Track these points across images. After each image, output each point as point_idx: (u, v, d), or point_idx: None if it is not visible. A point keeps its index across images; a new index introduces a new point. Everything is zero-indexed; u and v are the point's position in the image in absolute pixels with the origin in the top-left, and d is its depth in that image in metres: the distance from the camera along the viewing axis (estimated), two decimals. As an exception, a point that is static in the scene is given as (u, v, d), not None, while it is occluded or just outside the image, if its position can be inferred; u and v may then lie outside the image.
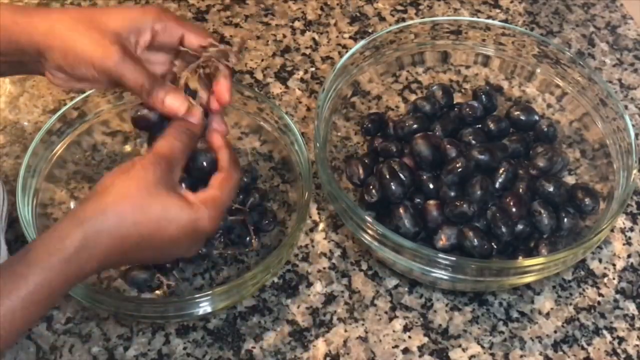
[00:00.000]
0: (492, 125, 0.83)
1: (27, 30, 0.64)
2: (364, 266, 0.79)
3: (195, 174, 0.68)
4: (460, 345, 0.74)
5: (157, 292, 0.74)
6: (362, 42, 0.85)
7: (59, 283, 0.57)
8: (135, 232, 0.59)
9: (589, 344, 0.75)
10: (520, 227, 0.76)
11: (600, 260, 0.81)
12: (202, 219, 0.62)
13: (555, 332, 0.76)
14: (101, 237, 0.58)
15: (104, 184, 0.60)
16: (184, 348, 0.73)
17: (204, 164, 0.68)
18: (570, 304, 0.77)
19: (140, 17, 0.67)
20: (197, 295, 0.69)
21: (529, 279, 0.73)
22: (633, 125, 0.79)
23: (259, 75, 0.95)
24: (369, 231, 0.72)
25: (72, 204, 0.79)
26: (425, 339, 0.74)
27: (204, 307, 0.70)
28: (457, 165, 0.75)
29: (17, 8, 0.66)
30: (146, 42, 0.67)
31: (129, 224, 0.59)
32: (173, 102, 0.66)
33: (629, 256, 0.81)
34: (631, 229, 0.83)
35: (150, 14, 0.67)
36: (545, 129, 0.83)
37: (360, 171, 0.80)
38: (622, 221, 0.84)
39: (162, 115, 0.67)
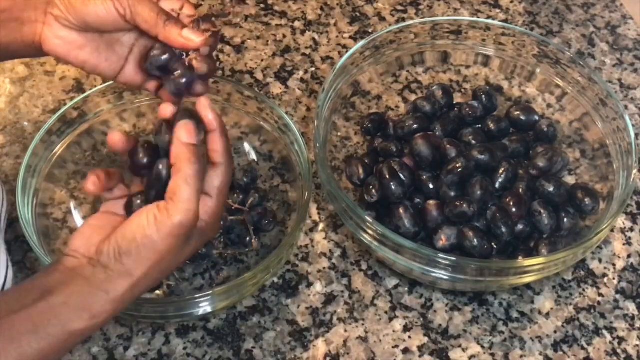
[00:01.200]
0: (492, 125, 0.83)
1: None
2: (364, 266, 0.79)
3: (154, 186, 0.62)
4: (460, 345, 0.74)
5: (157, 292, 0.74)
6: (362, 42, 0.85)
7: (78, 342, 0.58)
8: (150, 287, 0.60)
9: (589, 344, 0.75)
10: (520, 227, 0.76)
11: (600, 260, 0.81)
12: (207, 235, 0.62)
13: (555, 332, 0.76)
14: (126, 304, 0.58)
15: (129, 253, 0.56)
16: (184, 348, 0.73)
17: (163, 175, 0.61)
18: (570, 304, 0.77)
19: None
20: (197, 295, 0.69)
21: (529, 279, 0.73)
22: (633, 125, 0.79)
23: (259, 75, 0.95)
24: (369, 231, 0.72)
25: (72, 204, 0.79)
26: (425, 339, 0.74)
27: (204, 307, 0.70)
28: (457, 165, 0.75)
29: None
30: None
31: (150, 285, 0.59)
32: (189, 34, 0.62)
33: (629, 256, 0.81)
34: (631, 229, 0.83)
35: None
36: (545, 129, 0.83)
37: (360, 171, 0.80)
38: (622, 221, 0.84)
39: (174, 49, 0.63)
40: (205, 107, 0.61)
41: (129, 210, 0.61)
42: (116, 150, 0.63)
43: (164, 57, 0.63)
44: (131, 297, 0.58)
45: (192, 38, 0.62)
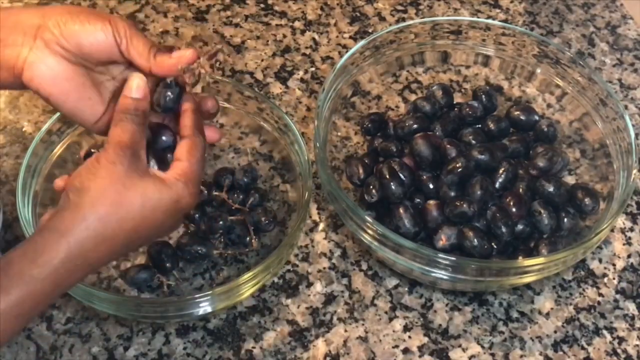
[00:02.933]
0: (492, 125, 0.83)
1: (17, 21, 0.60)
2: (364, 266, 0.79)
3: (158, 154, 0.64)
4: (460, 345, 0.74)
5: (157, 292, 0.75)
6: (362, 42, 0.85)
7: (43, 295, 0.55)
8: (120, 230, 0.58)
9: (589, 344, 0.75)
10: (520, 227, 0.76)
11: (600, 260, 0.81)
12: (183, 196, 0.60)
13: (555, 332, 0.76)
14: (86, 246, 0.56)
15: (74, 189, 0.58)
16: (184, 348, 0.73)
17: (165, 140, 0.65)
18: (570, 304, 0.77)
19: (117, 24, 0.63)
20: (197, 295, 0.69)
21: (529, 279, 0.73)
22: (633, 125, 0.79)
23: (259, 75, 0.95)
24: (369, 231, 0.72)
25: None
26: (425, 339, 0.74)
27: (204, 307, 0.70)
28: (457, 165, 0.75)
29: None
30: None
31: (112, 225, 0.57)
32: (179, 52, 0.63)
33: (629, 256, 0.81)
34: (631, 229, 0.83)
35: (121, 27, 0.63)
36: (545, 129, 0.83)
37: (360, 171, 0.80)
38: (622, 221, 0.84)
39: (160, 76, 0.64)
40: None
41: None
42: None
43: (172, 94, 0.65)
44: (87, 234, 0.56)
45: (183, 54, 0.63)
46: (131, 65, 0.64)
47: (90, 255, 0.57)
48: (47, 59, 0.61)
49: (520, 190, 0.78)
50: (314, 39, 0.99)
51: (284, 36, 1.00)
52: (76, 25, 0.61)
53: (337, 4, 1.04)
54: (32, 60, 0.61)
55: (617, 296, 0.78)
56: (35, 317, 0.58)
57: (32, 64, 0.61)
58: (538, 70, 0.88)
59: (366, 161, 0.81)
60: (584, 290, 0.79)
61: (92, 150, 0.66)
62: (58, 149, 0.79)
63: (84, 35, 0.61)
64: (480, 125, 0.84)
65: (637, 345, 0.75)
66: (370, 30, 1.00)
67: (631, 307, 0.78)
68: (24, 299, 0.54)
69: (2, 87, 0.63)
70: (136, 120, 0.61)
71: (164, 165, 0.63)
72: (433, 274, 0.71)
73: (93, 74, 0.64)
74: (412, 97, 0.90)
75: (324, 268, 0.79)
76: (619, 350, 0.74)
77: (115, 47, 0.62)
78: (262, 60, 0.97)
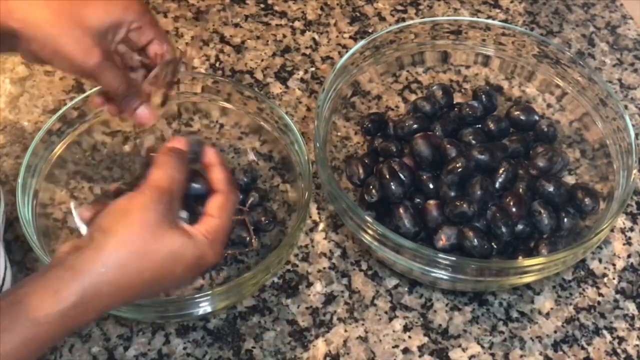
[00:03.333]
0: (492, 125, 0.83)
1: (3, 12, 0.61)
2: (364, 266, 0.79)
3: (187, 200, 0.63)
4: (460, 345, 0.74)
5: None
6: (362, 42, 0.85)
7: (49, 338, 0.53)
8: (138, 281, 0.56)
9: (589, 344, 0.75)
10: (520, 227, 0.76)
11: (600, 260, 0.81)
12: (207, 254, 0.59)
13: (555, 332, 0.76)
14: (101, 291, 0.54)
15: (101, 229, 0.56)
16: (184, 348, 0.73)
17: (196, 188, 0.65)
18: (570, 304, 0.77)
19: (122, 13, 0.65)
20: (197, 295, 0.69)
21: (529, 279, 0.73)
22: (633, 125, 0.79)
23: (259, 75, 0.95)
24: (369, 231, 0.72)
25: (72, 204, 0.79)
26: (425, 339, 0.74)
27: (204, 307, 0.70)
28: (457, 165, 0.75)
29: None
30: (121, 37, 0.66)
31: (132, 274, 0.55)
32: (144, 112, 0.67)
33: (629, 256, 0.81)
34: (631, 229, 0.83)
35: (132, 11, 0.66)
36: (545, 129, 0.83)
37: (360, 171, 0.80)
38: (622, 221, 0.84)
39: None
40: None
41: None
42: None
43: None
44: (104, 279, 0.54)
45: (146, 116, 0.68)
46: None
47: (103, 301, 0.55)
48: (30, 55, 0.65)
49: (520, 190, 0.78)
50: (314, 39, 0.99)
51: (284, 36, 1.00)
52: (46, 50, 0.63)
53: (337, 4, 1.04)
54: (21, 52, 0.65)
55: (617, 296, 0.78)
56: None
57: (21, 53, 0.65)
58: (538, 70, 0.88)
59: (366, 161, 0.81)
60: (584, 290, 0.79)
61: (122, 187, 0.65)
62: (58, 149, 0.79)
63: (48, 61, 0.64)
64: (480, 125, 0.84)
65: (637, 345, 0.75)
66: (370, 30, 1.00)
67: (631, 307, 0.78)
68: (29, 341, 0.52)
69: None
70: (178, 168, 0.61)
71: (192, 215, 0.62)
72: (433, 274, 0.71)
73: None
74: (412, 97, 0.90)
75: (324, 268, 0.79)
76: (618, 350, 0.75)
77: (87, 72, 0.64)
78: (262, 60, 0.97)
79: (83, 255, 0.55)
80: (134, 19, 0.66)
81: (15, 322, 0.52)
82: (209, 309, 0.71)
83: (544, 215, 0.76)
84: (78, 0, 0.63)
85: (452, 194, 0.76)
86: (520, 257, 0.75)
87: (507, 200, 0.76)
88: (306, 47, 0.98)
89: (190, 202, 0.63)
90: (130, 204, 0.57)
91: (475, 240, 0.73)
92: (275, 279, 0.77)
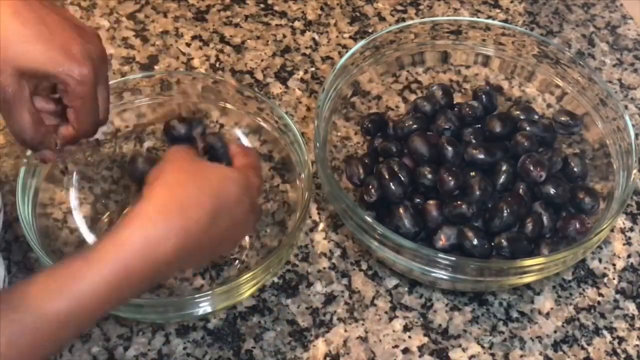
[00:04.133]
0: (492, 125, 0.83)
1: None
2: (364, 266, 0.79)
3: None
4: (460, 345, 0.74)
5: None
6: (362, 42, 0.85)
7: (136, 261, 0.54)
8: (202, 197, 0.59)
9: (589, 344, 0.75)
10: (520, 227, 0.76)
11: (600, 260, 0.81)
12: (251, 177, 0.65)
13: (555, 332, 0.76)
14: (172, 211, 0.57)
15: (152, 179, 0.60)
16: (184, 348, 0.73)
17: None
18: (570, 304, 0.77)
19: (54, 67, 0.60)
20: (197, 295, 0.69)
21: (529, 279, 0.73)
22: (633, 125, 0.79)
23: (259, 75, 0.95)
24: (369, 231, 0.72)
25: (72, 204, 0.79)
26: (425, 339, 0.74)
27: (204, 307, 0.70)
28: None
29: None
30: (44, 89, 0.64)
31: (193, 190, 0.59)
32: (41, 155, 0.67)
33: (629, 256, 0.81)
34: (631, 229, 0.83)
35: (69, 71, 0.60)
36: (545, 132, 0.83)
37: (360, 171, 0.80)
38: (622, 221, 0.84)
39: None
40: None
41: None
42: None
43: None
44: (174, 201, 0.57)
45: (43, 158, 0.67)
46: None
47: (183, 226, 0.57)
48: None
49: (520, 190, 0.77)
50: (314, 39, 1.00)
51: (284, 36, 1.00)
52: None
53: (337, 4, 1.04)
54: None
55: (617, 296, 0.78)
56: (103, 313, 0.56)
57: None
58: (538, 70, 0.88)
59: (366, 161, 0.81)
60: (584, 290, 0.79)
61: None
62: (58, 149, 0.78)
63: None
64: (480, 125, 0.84)
65: (637, 345, 0.75)
66: (370, 30, 1.00)
67: (631, 307, 0.78)
68: (119, 270, 0.53)
69: None
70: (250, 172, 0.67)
71: None
72: (433, 274, 0.71)
73: None
74: (412, 97, 0.90)
75: (324, 268, 0.79)
76: (618, 350, 0.74)
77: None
78: (262, 60, 0.97)
79: (153, 195, 0.58)
80: (66, 77, 0.61)
81: (87, 266, 0.53)
82: (209, 309, 0.71)
83: (545, 215, 0.76)
84: (20, 36, 0.60)
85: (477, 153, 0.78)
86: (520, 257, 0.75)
87: (507, 200, 0.76)
88: (306, 47, 0.98)
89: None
90: (162, 161, 0.63)
91: (475, 240, 0.73)
92: (275, 279, 0.77)
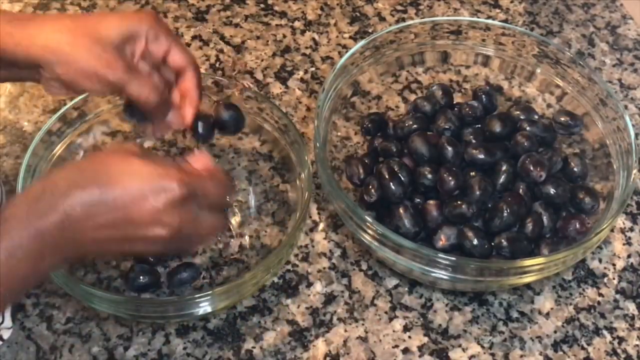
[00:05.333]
0: (492, 125, 0.83)
1: (24, 43, 0.63)
2: (364, 266, 0.79)
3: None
4: (460, 345, 0.74)
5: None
6: (362, 42, 0.85)
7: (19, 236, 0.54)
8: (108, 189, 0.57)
9: (589, 344, 0.75)
10: (520, 227, 0.76)
11: (600, 260, 0.81)
12: (169, 175, 0.58)
13: (555, 332, 0.76)
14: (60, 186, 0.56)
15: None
16: (184, 348, 0.73)
17: None
18: (570, 304, 0.77)
19: (136, 24, 0.67)
20: (197, 295, 0.69)
21: (529, 279, 0.73)
22: (633, 125, 0.79)
23: (259, 75, 0.95)
24: (369, 231, 0.72)
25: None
26: (425, 339, 0.74)
27: (204, 307, 0.70)
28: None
29: (10, 17, 0.65)
30: (141, 49, 0.67)
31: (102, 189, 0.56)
32: (175, 116, 0.70)
33: (629, 256, 0.81)
34: (631, 229, 0.83)
35: (145, 21, 0.67)
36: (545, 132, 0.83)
37: (360, 171, 0.80)
38: (622, 221, 0.84)
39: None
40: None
41: None
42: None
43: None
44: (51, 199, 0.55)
45: (177, 121, 0.71)
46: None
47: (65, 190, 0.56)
48: (55, 84, 0.66)
49: (520, 190, 0.77)
50: (314, 39, 1.00)
51: (284, 36, 1.00)
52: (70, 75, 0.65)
53: (337, 4, 1.04)
54: (45, 83, 0.67)
55: (617, 296, 0.78)
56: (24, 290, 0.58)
57: (45, 84, 0.67)
58: (538, 70, 0.88)
59: (366, 161, 0.81)
60: (584, 290, 0.79)
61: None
62: (58, 149, 0.78)
63: (72, 84, 0.66)
64: (480, 125, 0.84)
65: (637, 345, 0.75)
66: (370, 30, 1.00)
67: (631, 307, 0.78)
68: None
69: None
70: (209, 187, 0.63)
71: None
72: (433, 274, 0.71)
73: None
74: (412, 97, 0.90)
75: (324, 268, 0.79)
76: (619, 350, 0.74)
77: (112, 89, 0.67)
78: (262, 60, 0.97)
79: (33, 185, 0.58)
80: (149, 28, 0.67)
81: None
82: (209, 309, 0.71)
83: (545, 216, 0.76)
84: (92, 18, 0.66)
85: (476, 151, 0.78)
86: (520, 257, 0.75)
87: (507, 200, 0.76)
88: (306, 47, 0.98)
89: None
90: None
91: (475, 240, 0.73)
92: (275, 279, 0.77)
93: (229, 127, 0.76)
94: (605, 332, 0.76)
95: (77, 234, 0.56)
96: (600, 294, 0.78)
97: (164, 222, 0.58)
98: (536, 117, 0.85)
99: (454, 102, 0.87)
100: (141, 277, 0.74)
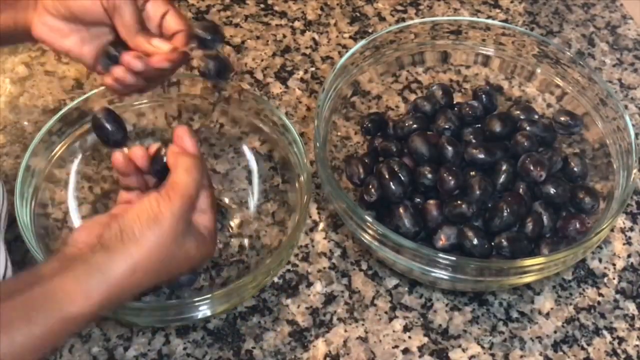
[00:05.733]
0: (492, 125, 0.83)
1: None
2: (364, 266, 0.79)
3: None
4: (460, 345, 0.74)
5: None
6: (362, 42, 0.85)
7: (72, 331, 0.56)
8: (155, 280, 0.59)
9: (589, 344, 0.75)
10: (520, 227, 0.76)
11: (600, 260, 0.81)
12: (210, 251, 0.64)
13: (555, 332, 0.76)
14: (125, 292, 0.57)
15: (132, 231, 0.57)
16: (184, 348, 0.73)
17: None
18: (570, 304, 0.77)
19: None
20: (196, 299, 0.68)
21: (529, 279, 0.73)
22: (633, 125, 0.79)
23: (259, 75, 0.95)
24: (369, 231, 0.72)
25: (72, 204, 0.79)
26: (425, 339, 0.74)
27: (204, 311, 0.70)
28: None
29: None
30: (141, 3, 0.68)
31: (153, 277, 0.58)
32: (160, 44, 0.67)
33: (629, 256, 0.81)
34: (631, 229, 0.83)
35: None
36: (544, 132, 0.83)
37: (360, 171, 0.80)
38: (622, 221, 0.84)
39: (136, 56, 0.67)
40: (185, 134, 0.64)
41: None
42: (119, 170, 0.66)
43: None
44: (130, 283, 0.56)
45: (160, 46, 0.67)
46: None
47: (121, 300, 0.58)
48: (47, 20, 0.69)
49: (521, 190, 0.77)
50: (314, 39, 1.00)
51: (284, 36, 1.00)
52: None
53: (337, 4, 1.04)
54: (35, 22, 0.69)
55: (617, 296, 0.78)
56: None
57: (35, 25, 0.69)
58: (538, 70, 0.88)
59: (366, 161, 0.81)
60: (584, 290, 0.79)
61: (162, 154, 0.65)
62: (58, 149, 0.78)
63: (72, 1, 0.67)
64: (480, 125, 0.84)
65: (637, 345, 0.75)
66: (370, 30, 1.00)
67: (631, 307, 0.77)
68: (52, 335, 0.54)
69: (26, 41, 0.76)
70: (200, 168, 0.62)
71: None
72: (433, 274, 0.71)
73: (92, 29, 0.69)
74: (412, 97, 0.90)
75: (324, 268, 0.79)
76: (619, 351, 0.74)
77: (103, 12, 0.67)
78: (262, 60, 0.97)
79: (113, 257, 0.56)
80: None
81: (41, 317, 0.53)
82: (208, 313, 0.70)
83: (545, 215, 0.76)
84: None
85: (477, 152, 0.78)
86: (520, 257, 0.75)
87: (507, 200, 0.76)
88: (306, 47, 0.98)
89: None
90: (160, 211, 0.58)
91: (475, 239, 0.73)
92: (276, 279, 0.77)
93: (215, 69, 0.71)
94: (605, 332, 0.76)
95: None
96: (600, 294, 0.78)
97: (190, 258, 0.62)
98: (536, 117, 0.85)
99: (454, 102, 0.87)
100: None
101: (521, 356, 0.74)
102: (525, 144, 0.79)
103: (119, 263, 0.56)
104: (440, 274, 0.71)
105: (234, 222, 0.81)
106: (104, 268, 0.56)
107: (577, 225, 0.76)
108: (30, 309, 0.53)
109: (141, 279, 0.57)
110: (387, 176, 0.77)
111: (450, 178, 0.75)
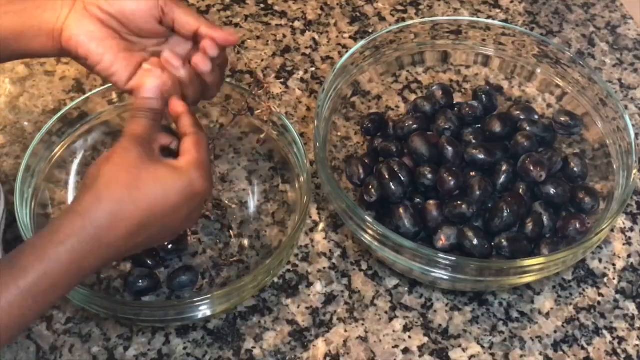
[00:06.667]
0: (492, 125, 0.83)
1: None
2: (364, 266, 0.79)
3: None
4: (460, 345, 0.74)
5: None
6: (362, 42, 0.85)
7: (60, 276, 0.56)
8: (135, 212, 0.59)
9: (589, 344, 0.75)
10: (520, 227, 0.76)
11: (600, 260, 0.81)
12: (196, 179, 0.62)
13: (555, 332, 0.76)
14: (102, 225, 0.57)
15: (91, 176, 0.60)
16: (184, 348, 0.73)
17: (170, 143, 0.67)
18: (570, 304, 0.77)
19: None
20: (196, 299, 0.69)
21: (529, 279, 0.73)
22: (633, 125, 0.79)
23: (258, 75, 0.95)
24: (369, 231, 0.72)
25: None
26: (425, 339, 0.74)
27: (204, 311, 0.70)
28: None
29: None
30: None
31: (128, 205, 0.58)
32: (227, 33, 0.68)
33: (629, 256, 0.81)
34: (631, 229, 0.83)
35: None
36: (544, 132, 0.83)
37: (360, 171, 0.80)
38: (622, 221, 0.84)
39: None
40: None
41: None
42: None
43: None
44: (97, 214, 0.57)
45: (229, 36, 0.67)
46: (162, 41, 0.69)
47: (107, 236, 0.58)
48: (84, 21, 0.65)
49: (520, 190, 0.77)
50: (314, 39, 0.99)
51: (284, 36, 1.00)
52: None
53: (337, 4, 1.04)
54: (70, 22, 0.65)
55: (617, 296, 0.78)
56: (54, 303, 0.59)
57: (70, 25, 0.65)
58: (538, 70, 0.88)
59: (366, 161, 0.81)
60: (584, 290, 0.79)
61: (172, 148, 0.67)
62: (58, 149, 0.79)
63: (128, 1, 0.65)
64: (480, 125, 0.84)
65: (637, 345, 0.75)
66: (370, 30, 1.00)
67: (631, 307, 0.77)
68: (40, 279, 0.55)
69: (40, 54, 0.69)
70: (149, 117, 0.64)
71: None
72: (433, 274, 0.71)
73: (125, 41, 0.67)
74: (412, 97, 0.90)
75: (324, 268, 0.79)
76: (619, 350, 0.74)
77: (156, 16, 0.66)
78: (262, 60, 0.97)
79: (81, 198, 0.59)
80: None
81: (25, 261, 0.55)
82: (208, 313, 0.70)
83: (545, 216, 0.76)
84: None
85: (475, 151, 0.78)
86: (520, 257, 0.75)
87: (507, 200, 0.76)
88: (306, 47, 0.98)
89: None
90: (111, 151, 0.61)
91: (475, 240, 0.73)
92: (276, 279, 0.77)
93: None
94: (605, 332, 0.76)
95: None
96: (600, 294, 0.78)
97: (192, 218, 0.65)
98: (536, 117, 0.85)
99: (454, 102, 0.87)
100: (140, 281, 0.74)
101: (521, 356, 0.74)
102: (525, 144, 0.79)
103: (84, 198, 0.59)
104: (440, 274, 0.71)
105: (234, 223, 0.81)
106: (73, 207, 0.59)
107: (577, 226, 0.76)
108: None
109: (113, 206, 0.58)
110: (387, 176, 0.77)
111: (450, 178, 0.75)
